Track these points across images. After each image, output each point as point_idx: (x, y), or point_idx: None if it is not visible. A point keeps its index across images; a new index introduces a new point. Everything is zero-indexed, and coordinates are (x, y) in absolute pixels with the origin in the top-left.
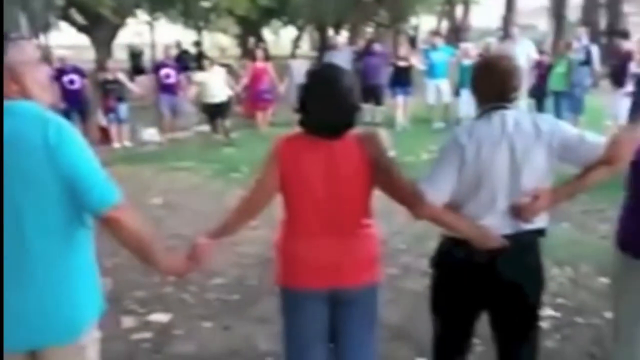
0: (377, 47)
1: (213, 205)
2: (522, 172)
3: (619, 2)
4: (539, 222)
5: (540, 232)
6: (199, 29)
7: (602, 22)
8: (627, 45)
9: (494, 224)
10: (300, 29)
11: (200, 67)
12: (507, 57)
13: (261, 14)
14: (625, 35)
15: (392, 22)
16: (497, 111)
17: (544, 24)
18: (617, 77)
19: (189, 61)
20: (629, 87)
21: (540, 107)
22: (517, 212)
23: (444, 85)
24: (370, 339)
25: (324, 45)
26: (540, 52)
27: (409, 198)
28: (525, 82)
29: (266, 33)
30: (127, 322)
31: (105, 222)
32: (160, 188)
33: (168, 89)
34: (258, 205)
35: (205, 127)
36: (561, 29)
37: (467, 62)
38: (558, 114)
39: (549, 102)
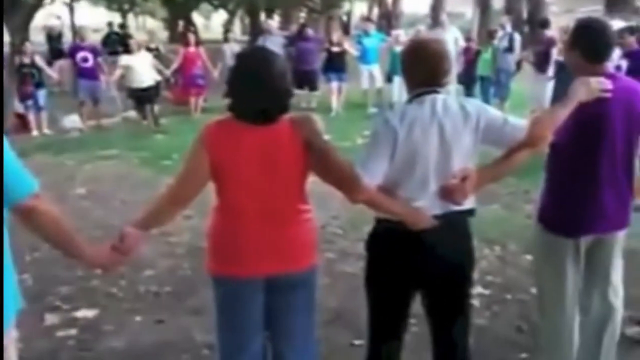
0: (309, 32)
1: (142, 195)
2: (452, 154)
3: None
4: (468, 202)
5: (470, 212)
6: (123, 12)
7: (525, 11)
8: (549, 33)
9: (425, 205)
10: (232, 13)
11: (127, 51)
12: (437, 40)
13: None
14: (545, 24)
15: (324, 8)
16: (428, 95)
17: (470, 12)
18: (540, 63)
19: (115, 44)
20: (551, 72)
21: (468, 93)
22: (447, 193)
23: (377, 71)
24: (310, 324)
25: (255, 30)
26: (468, 39)
27: (346, 182)
28: (454, 68)
29: (196, 17)
30: (51, 319)
31: (22, 214)
32: (84, 178)
33: (86, 73)
34: (187, 194)
35: (133, 114)
36: (486, 17)
37: (398, 48)
38: (485, 99)
39: (477, 88)
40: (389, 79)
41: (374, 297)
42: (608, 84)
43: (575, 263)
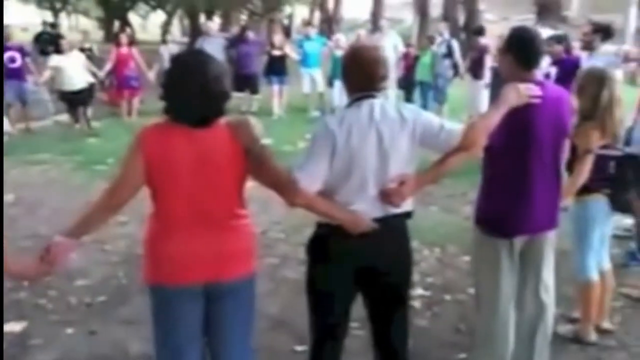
0: (250, 35)
1: (75, 201)
2: (390, 159)
3: (474, 1)
4: (406, 205)
5: (408, 215)
6: (55, 10)
7: (461, 19)
8: (483, 40)
9: (364, 209)
10: (170, 14)
11: (58, 51)
12: (375, 47)
13: None
14: (480, 31)
15: (265, 11)
16: (366, 100)
17: (410, 18)
18: (475, 70)
19: (47, 44)
20: (487, 79)
21: (408, 97)
22: (386, 196)
23: (318, 75)
24: (248, 332)
25: (195, 32)
26: (407, 44)
27: (284, 186)
28: (394, 73)
29: (133, 17)
30: None
31: None
32: (12, 184)
33: (13, 74)
34: (121, 200)
35: (65, 117)
36: (425, 24)
37: (339, 52)
38: (424, 103)
39: (416, 92)
40: (330, 83)
41: (315, 302)
42: (537, 91)
43: (510, 263)
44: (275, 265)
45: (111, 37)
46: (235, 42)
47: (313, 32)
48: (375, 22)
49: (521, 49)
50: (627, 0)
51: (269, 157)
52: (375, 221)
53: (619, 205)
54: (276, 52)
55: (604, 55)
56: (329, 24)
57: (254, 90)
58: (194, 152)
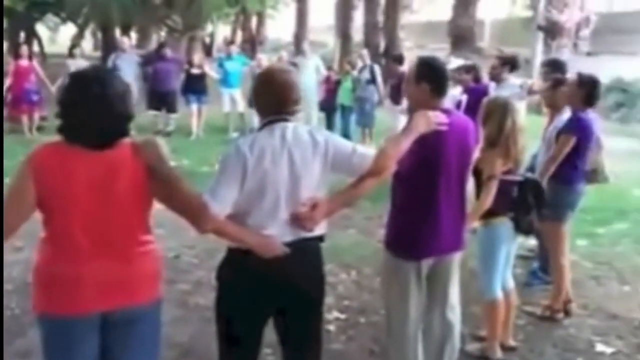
0: (168, 52)
1: None
2: (301, 182)
3: (394, 28)
4: (319, 229)
5: (320, 239)
6: None
7: (382, 44)
8: (402, 67)
9: (276, 233)
10: (81, 27)
11: None
12: (287, 70)
13: (30, 7)
14: (399, 59)
15: (185, 28)
16: (278, 123)
17: (332, 42)
18: (394, 96)
19: None
20: (405, 104)
21: (329, 120)
22: (298, 220)
23: (238, 95)
24: None
25: (108, 47)
26: (329, 68)
27: (192, 211)
28: (316, 96)
29: (41, 29)
30: None
31: None
32: None
33: None
34: (11, 224)
35: None
36: (347, 48)
37: None
38: (345, 127)
39: (338, 116)
40: (251, 103)
41: (225, 329)
42: (444, 119)
43: (418, 285)
44: (187, 292)
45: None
46: (152, 59)
47: (234, 51)
48: (298, 44)
49: (434, 78)
50: (535, 36)
51: (177, 179)
52: (287, 245)
53: (522, 227)
54: (195, 71)
55: (510, 87)
56: (251, 44)
57: (171, 109)
58: (92, 174)
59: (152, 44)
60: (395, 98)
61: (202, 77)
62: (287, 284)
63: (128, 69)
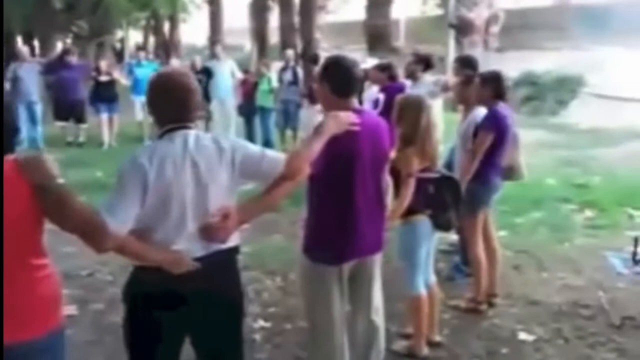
0: (72, 59)
1: None
2: (208, 192)
3: (311, 29)
4: (232, 240)
5: (235, 250)
6: None
7: (299, 46)
8: (317, 68)
9: (185, 247)
10: None
11: None
12: (184, 73)
13: None
14: (315, 59)
15: (93, 34)
16: (179, 131)
17: (249, 45)
18: (312, 95)
19: None
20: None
21: (249, 124)
22: (208, 232)
23: None
24: None
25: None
26: (245, 71)
27: (87, 230)
28: (233, 100)
29: None
30: None
31: None
32: None
33: None
34: None
35: None
36: (263, 51)
37: None
38: (265, 129)
39: (257, 119)
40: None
41: (137, 351)
42: (355, 119)
43: (340, 289)
44: (100, 312)
45: None
46: (55, 67)
47: (144, 57)
48: (212, 48)
49: (337, 78)
50: (448, 34)
51: (68, 197)
52: (198, 260)
53: (441, 224)
54: (103, 78)
55: (424, 84)
56: (165, 49)
57: (80, 119)
58: None
59: (57, 52)
60: (313, 98)
61: (111, 84)
62: (201, 300)
63: (29, 79)
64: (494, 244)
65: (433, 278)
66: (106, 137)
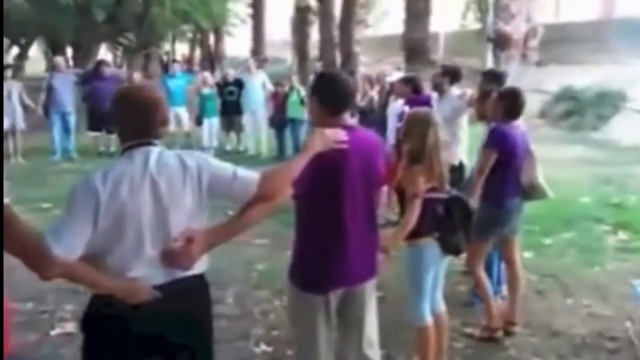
0: (107, 70)
1: None
2: (170, 214)
3: (350, 43)
4: (199, 266)
5: (201, 278)
6: None
7: (339, 60)
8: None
9: (144, 274)
10: (24, 47)
11: None
12: (149, 87)
13: None
14: (351, 73)
15: (140, 46)
16: (141, 148)
17: (290, 58)
18: None
19: None
20: (356, 118)
21: (280, 136)
22: (170, 258)
23: (183, 113)
24: None
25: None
26: (276, 83)
27: (31, 255)
28: (264, 113)
29: None
30: None
31: None
32: None
33: None
34: None
35: None
36: (304, 63)
37: (207, 90)
38: (296, 140)
39: (288, 130)
40: (198, 122)
41: None
42: (344, 135)
43: (327, 319)
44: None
45: None
46: (89, 78)
47: (178, 68)
48: (255, 61)
49: (327, 94)
50: (485, 47)
51: (11, 219)
52: (159, 288)
53: (449, 247)
54: None
55: (451, 98)
56: (210, 61)
57: (111, 130)
58: None
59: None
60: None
61: None
62: (163, 332)
63: (64, 90)
64: (517, 269)
65: (442, 305)
66: None
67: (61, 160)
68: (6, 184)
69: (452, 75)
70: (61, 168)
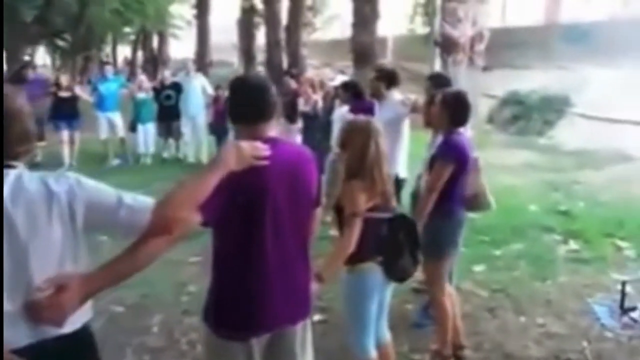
0: (31, 73)
1: None
2: (30, 255)
3: (297, 46)
4: (75, 320)
5: (81, 334)
6: None
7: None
8: (293, 83)
9: (5, 334)
10: None
11: None
12: (9, 96)
13: None
14: (291, 75)
15: (78, 49)
16: None
17: (237, 61)
18: (290, 113)
19: None
20: (300, 123)
21: (220, 142)
22: (35, 313)
23: (117, 119)
24: None
25: None
26: (217, 87)
27: None
28: (204, 118)
29: None
30: None
31: None
32: None
33: None
34: None
35: None
36: (250, 67)
37: (142, 95)
38: None
39: (229, 138)
40: (132, 127)
41: None
42: (264, 150)
43: None
44: None
45: None
46: (12, 82)
47: (110, 72)
48: (200, 64)
49: (241, 101)
50: (433, 52)
51: None
52: (22, 351)
53: (394, 273)
54: (63, 94)
55: (391, 104)
56: (153, 64)
57: (38, 137)
58: None
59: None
60: (291, 116)
61: (73, 100)
62: None
63: None
64: (449, 288)
65: (387, 335)
66: (66, 156)
67: None
68: None
69: (388, 78)
70: None
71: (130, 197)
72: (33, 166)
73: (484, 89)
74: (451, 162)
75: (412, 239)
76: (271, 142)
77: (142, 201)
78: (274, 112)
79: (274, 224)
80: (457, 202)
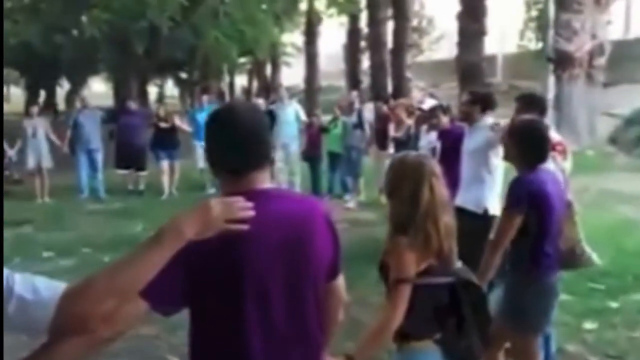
0: (133, 105)
1: None
2: None
3: (402, 68)
4: None
5: None
6: None
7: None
8: (385, 108)
9: None
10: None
11: None
12: None
13: None
14: (386, 100)
15: (200, 79)
16: None
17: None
18: (381, 140)
19: None
20: (391, 149)
21: (314, 171)
22: None
23: None
24: None
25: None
26: (310, 114)
27: None
28: (298, 146)
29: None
30: None
31: None
32: None
33: None
34: None
35: None
36: (360, 92)
37: None
38: (332, 176)
39: (323, 164)
40: None
41: None
42: (245, 209)
43: None
44: None
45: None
46: (116, 114)
47: (206, 101)
48: (309, 89)
49: (221, 140)
50: (547, 68)
51: None
52: None
53: (458, 354)
54: (163, 124)
55: (482, 129)
56: (266, 92)
57: (140, 167)
58: None
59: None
60: (382, 142)
61: (172, 130)
62: None
63: (90, 126)
64: None
65: None
66: (166, 185)
67: (89, 199)
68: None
69: (484, 102)
70: (88, 209)
71: (44, 283)
72: (139, 194)
73: (605, 107)
74: (520, 210)
75: (480, 311)
76: (262, 196)
77: (53, 291)
78: (268, 155)
79: (260, 305)
80: (545, 262)
